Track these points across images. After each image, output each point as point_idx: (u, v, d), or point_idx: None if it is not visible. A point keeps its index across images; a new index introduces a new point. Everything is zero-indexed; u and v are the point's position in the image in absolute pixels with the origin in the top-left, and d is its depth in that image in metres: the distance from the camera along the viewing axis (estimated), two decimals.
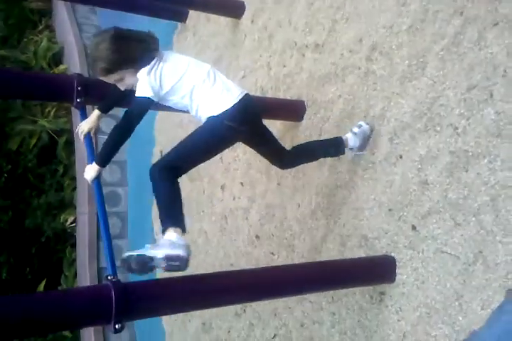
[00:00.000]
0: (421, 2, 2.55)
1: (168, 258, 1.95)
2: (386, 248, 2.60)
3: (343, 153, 2.90)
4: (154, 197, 2.28)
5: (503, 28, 2.14)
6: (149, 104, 2.34)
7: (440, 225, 2.33)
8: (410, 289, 2.43)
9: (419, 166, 2.46)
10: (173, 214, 2.22)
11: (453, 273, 2.23)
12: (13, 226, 8.90)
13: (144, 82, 2.30)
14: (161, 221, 2.19)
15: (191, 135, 2.44)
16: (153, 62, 2.32)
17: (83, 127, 2.63)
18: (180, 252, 1.98)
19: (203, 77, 2.38)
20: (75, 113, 8.86)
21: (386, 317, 2.54)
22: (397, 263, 2.52)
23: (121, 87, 2.42)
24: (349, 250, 2.86)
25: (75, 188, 8.93)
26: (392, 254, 2.56)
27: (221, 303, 2.20)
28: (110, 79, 2.36)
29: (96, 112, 2.65)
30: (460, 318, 2.18)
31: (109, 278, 1.91)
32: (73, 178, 8.98)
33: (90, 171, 2.39)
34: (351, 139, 2.81)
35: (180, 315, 4.97)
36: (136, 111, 2.33)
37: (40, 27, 11.11)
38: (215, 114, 2.36)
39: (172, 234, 2.09)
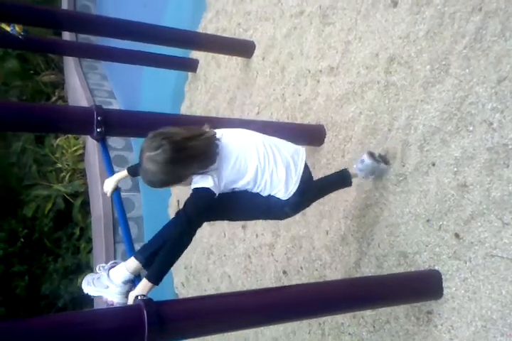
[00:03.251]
0: (436, 7, 2.52)
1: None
2: (428, 262, 2.40)
3: (351, 184, 2.84)
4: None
5: None
6: (212, 196, 2.04)
7: (486, 228, 2.15)
8: (461, 302, 2.21)
9: (455, 169, 2.32)
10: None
11: (508, 278, 2.03)
12: (29, 292, 8.67)
13: (201, 177, 2.05)
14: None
15: (244, 199, 2.27)
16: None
17: (107, 186, 2.50)
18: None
19: (262, 165, 2.17)
20: (90, 175, 8.93)
21: (437, 338, 2.30)
22: (442, 277, 2.31)
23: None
24: (387, 271, 2.65)
25: (90, 250, 8.80)
26: (436, 268, 2.35)
27: (261, 322, 2.01)
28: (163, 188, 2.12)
29: (124, 173, 2.49)
30: None
31: (139, 297, 1.76)
32: (89, 240, 8.87)
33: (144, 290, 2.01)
34: (360, 174, 2.77)
35: None
36: (200, 205, 2.03)
37: (54, 98, 11.50)
38: (278, 198, 2.27)
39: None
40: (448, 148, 2.39)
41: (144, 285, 1.94)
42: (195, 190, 2.05)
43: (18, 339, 1.38)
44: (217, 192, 2.06)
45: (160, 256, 1.99)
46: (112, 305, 2.17)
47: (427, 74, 2.55)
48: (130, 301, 1.89)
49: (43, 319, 1.60)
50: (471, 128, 2.28)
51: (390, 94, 2.79)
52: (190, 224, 2.02)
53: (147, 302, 1.69)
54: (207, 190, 2.03)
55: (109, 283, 2.16)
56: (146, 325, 1.59)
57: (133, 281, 2.14)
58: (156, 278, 1.96)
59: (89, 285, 2.17)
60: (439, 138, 2.43)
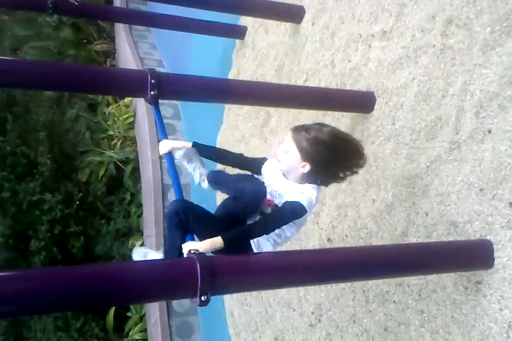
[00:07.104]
0: None
1: None
2: (480, 231, 2.35)
3: None
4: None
5: None
6: (301, 215, 2.10)
7: None
8: None
9: None
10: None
11: None
12: (84, 252, 9.06)
13: (310, 194, 2.10)
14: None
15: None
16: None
17: (164, 147, 2.44)
18: None
19: None
20: (140, 143, 9.12)
21: (485, 308, 2.26)
22: (494, 246, 2.26)
23: (279, 155, 2.18)
24: (436, 240, 2.61)
25: (140, 215, 9.06)
26: (488, 237, 2.30)
27: (308, 281, 2.07)
28: (288, 145, 2.13)
29: (188, 144, 2.43)
30: None
31: (192, 252, 1.84)
32: (139, 205, 9.13)
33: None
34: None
35: (250, 332, 4.76)
36: (290, 217, 2.10)
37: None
38: None
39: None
40: (506, 114, 2.29)
41: (214, 241, 1.96)
42: (299, 206, 2.06)
43: (76, 283, 1.48)
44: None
45: (247, 227, 2.11)
46: None
47: (487, 37, 2.42)
48: (184, 254, 1.93)
49: (99, 266, 1.70)
50: None
51: (446, 59, 2.68)
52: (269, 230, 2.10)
53: (200, 256, 1.75)
54: (304, 212, 2.08)
55: None
56: (199, 277, 1.65)
57: None
58: (230, 241, 1.99)
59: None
60: (497, 104, 2.33)
